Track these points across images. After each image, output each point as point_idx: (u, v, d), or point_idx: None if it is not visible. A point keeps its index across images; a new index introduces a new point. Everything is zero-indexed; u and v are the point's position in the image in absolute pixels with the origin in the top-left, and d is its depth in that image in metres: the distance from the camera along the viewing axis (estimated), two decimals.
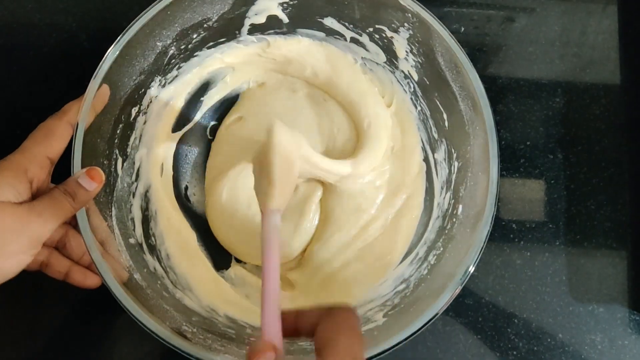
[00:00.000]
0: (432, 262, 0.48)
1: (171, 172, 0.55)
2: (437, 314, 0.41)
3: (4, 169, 0.42)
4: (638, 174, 0.58)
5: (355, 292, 0.51)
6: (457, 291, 0.42)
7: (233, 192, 0.54)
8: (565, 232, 0.57)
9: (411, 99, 0.55)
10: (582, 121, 0.60)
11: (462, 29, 0.62)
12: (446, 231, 0.49)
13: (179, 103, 0.55)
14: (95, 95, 0.44)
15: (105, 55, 0.45)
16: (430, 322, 0.41)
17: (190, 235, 0.54)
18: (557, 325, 0.54)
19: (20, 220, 0.40)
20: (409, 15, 0.48)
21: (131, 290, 0.42)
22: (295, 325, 0.35)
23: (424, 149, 0.55)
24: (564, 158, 0.59)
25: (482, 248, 0.43)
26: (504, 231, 0.56)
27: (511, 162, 0.58)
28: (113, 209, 0.47)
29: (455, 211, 0.49)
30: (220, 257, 0.55)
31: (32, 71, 0.59)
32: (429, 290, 0.45)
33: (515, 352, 0.53)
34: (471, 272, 0.42)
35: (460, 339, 0.54)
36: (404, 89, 0.55)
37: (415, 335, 0.41)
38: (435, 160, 0.53)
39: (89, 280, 0.46)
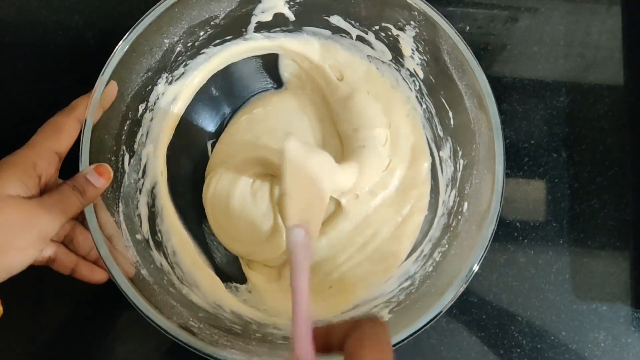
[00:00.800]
0: (437, 260, 0.48)
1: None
2: (441, 312, 0.42)
3: (12, 163, 0.42)
4: None
5: (361, 290, 0.51)
6: (462, 289, 0.42)
7: (224, 188, 0.54)
8: (568, 230, 0.57)
9: (416, 97, 0.55)
10: (586, 120, 0.60)
11: (467, 28, 0.62)
12: (451, 229, 0.49)
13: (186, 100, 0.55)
14: (103, 91, 0.45)
15: (114, 51, 0.45)
16: (435, 320, 0.41)
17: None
18: (560, 324, 0.55)
19: (29, 215, 0.40)
20: (416, 13, 0.48)
21: (138, 286, 0.42)
22: (326, 340, 0.34)
23: (429, 147, 0.55)
24: (567, 157, 0.59)
25: (487, 246, 0.43)
26: (508, 229, 0.57)
27: (515, 161, 0.58)
28: (120, 204, 0.47)
29: (460, 209, 0.49)
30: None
31: (38, 69, 0.59)
32: (434, 288, 0.45)
33: (519, 350, 0.54)
34: (476, 270, 0.43)
35: (464, 336, 0.54)
36: (410, 87, 0.55)
37: (419, 333, 0.41)
38: (440, 158, 0.54)
39: (96, 276, 0.47)
